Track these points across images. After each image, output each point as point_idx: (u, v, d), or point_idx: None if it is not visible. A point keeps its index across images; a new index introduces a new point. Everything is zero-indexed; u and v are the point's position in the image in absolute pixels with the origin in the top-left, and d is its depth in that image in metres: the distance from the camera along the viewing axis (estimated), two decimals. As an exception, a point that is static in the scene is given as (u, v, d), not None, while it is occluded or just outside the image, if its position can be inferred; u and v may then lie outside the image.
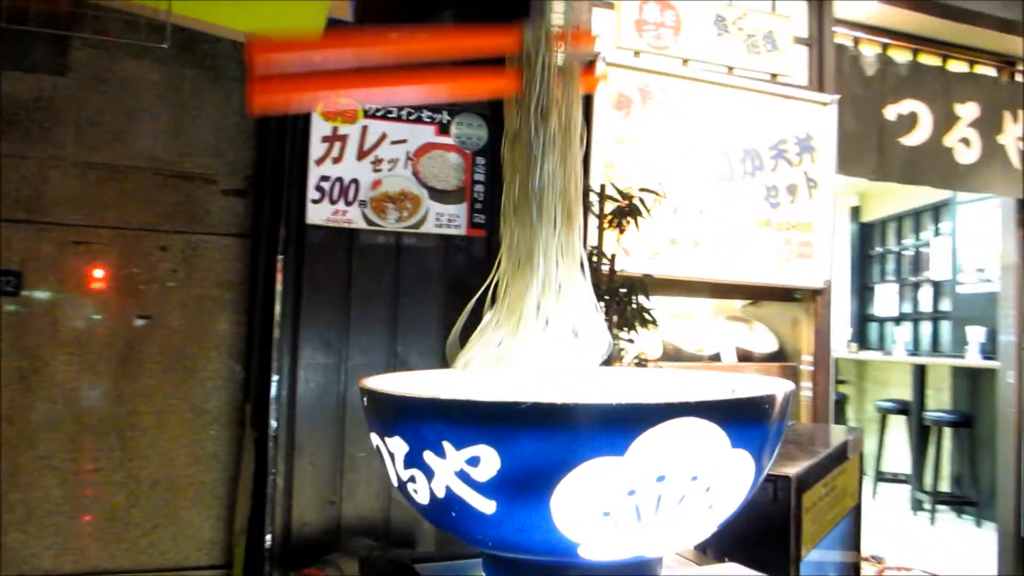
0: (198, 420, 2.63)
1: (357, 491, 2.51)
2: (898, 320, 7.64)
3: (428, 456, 1.08)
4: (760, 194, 3.31)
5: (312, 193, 2.48)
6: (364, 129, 2.53)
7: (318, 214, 2.49)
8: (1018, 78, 4.32)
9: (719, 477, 1.08)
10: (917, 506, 6.25)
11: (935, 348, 7.10)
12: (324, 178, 2.50)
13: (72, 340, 2.53)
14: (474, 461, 1.03)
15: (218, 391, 2.65)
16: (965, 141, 4.11)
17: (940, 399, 6.63)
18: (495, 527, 1.07)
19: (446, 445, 1.04)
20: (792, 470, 1.65)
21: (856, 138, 3.73)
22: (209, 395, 2.64)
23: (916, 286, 7.43)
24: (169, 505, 2.60)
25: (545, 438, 1.00)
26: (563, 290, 1.37)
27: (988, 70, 4.24)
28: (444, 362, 2.50)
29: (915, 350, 7.22)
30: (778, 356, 3.57)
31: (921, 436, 6.33)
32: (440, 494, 1.09)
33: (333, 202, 2.50)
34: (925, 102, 3.99)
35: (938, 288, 7.11)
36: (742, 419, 1.07)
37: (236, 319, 2.67)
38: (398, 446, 1.12)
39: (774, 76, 3.42)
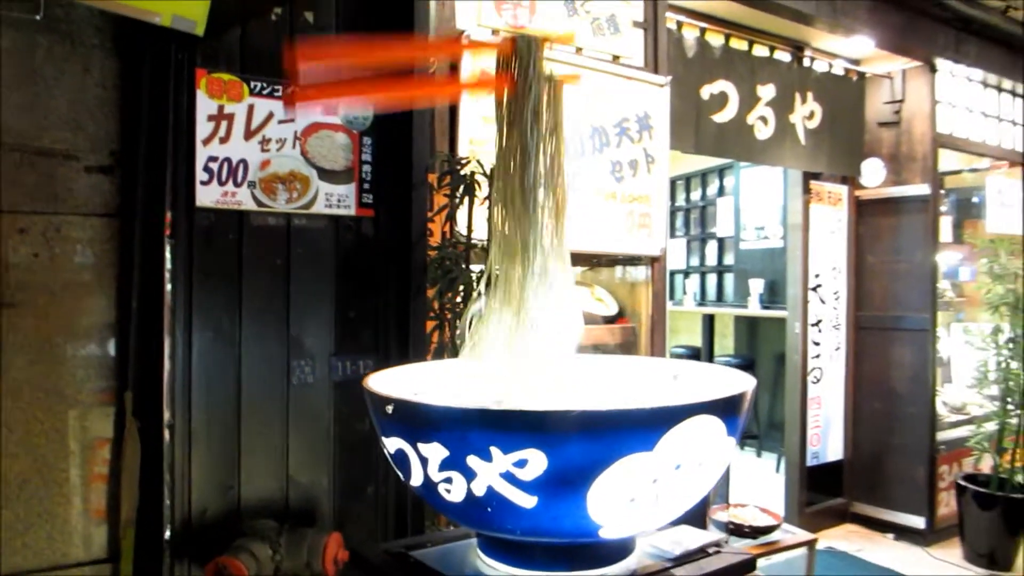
0: (70, 412, 2.49)
1: (255, 474, 2.51)
2: (687, 273, 8.36)
3: (472, 460, 1.19)
4: (607, 169, 3.56)
5: (200, 174, 2.41)
6: (251, 108, 2.47)
7: (207, 196, 2.42)
8: (806, 63, 4.86)
9: (714, 460, 1.28)
10: (710, 441, 6.96)
11: (720, 298, 7.86)
12: (212, 158, 2.42)
13: (-79, 333, 2.32)
14: (521, 463, 1.16)
15: (90, 380, 2.52)
16: (763, 119, 4.61)
17: (725, 345, 7.39)
18: (531, 519, 1.21)
19: (494, 450, 1.16)
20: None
21: (678, 115, 4.07)
22: (81, 385, 2.51)
23: (703, 241, 8.16)
24: (43, 503, 2.46)
25: (591, 440, 1.15)
26: (553, 280, 1.50)
27: (784, 55, 4.74)
28: (337, 342, 2.55)
29: (703, 300, 7.95)
30: (618, 318, 3.88)
31: (712, 379, 7.02)
32: (479, 493, 1.21)
33: (222, 183, 2.44)
34: (734, 83, 4.42)
35: (722, 244, 7.86)
36: (734, 412, 1.27)
37: (107, 304, 2.54)
38: (435, 451, 1.22)
39: (616, 58, 3.66)
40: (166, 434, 2.38)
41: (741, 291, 7.15)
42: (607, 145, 3.55)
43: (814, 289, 5.25)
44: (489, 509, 1.21)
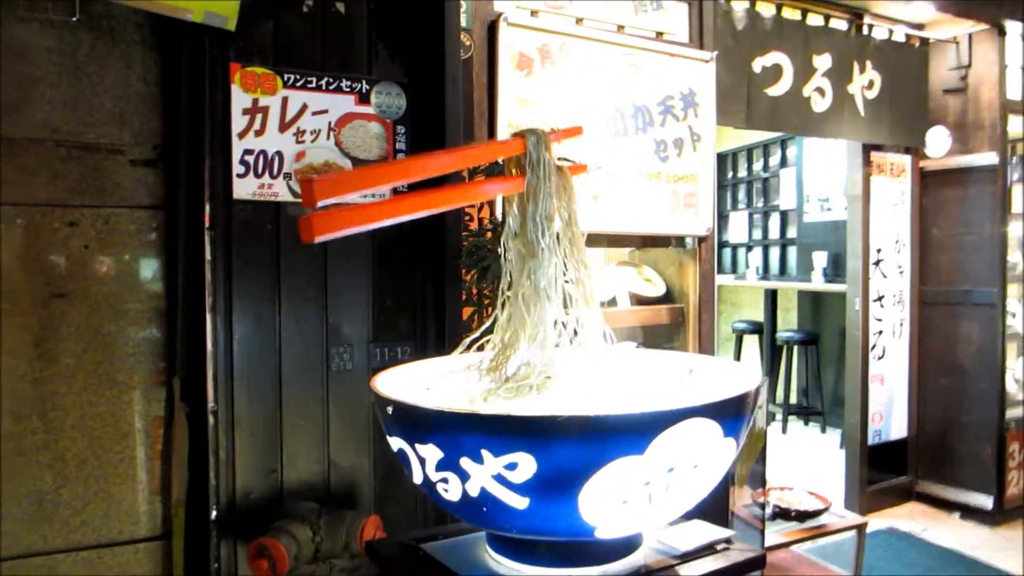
0: (123, 396, 2.61)
1: (297, 458, 2.59)
2: (749, 246, 8.20)
3: (465, 462, 1.21)
4: (651, 148, 3.52)
5: (237, 167, 2.47)
6: (285, 100, 2.52)
7: (244, 188, 2.48)
8: (864, 31, 4.69)
9: (712, 461, 1.27)
10: (770, 417, 6.88)
11: (783, 272, 7.70)
12: (248, 151, 2.48)
13: (-18, 323, 2.44)
14: (512, 466, 1.17)
15: (141, 366, 2.63)
16: (819, 90, 4.47)
17: (788, 319, 7.25)
18: (525, 519, 1.23)
19: (485, 453, 1.18)
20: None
21: (728, 89, 3.98)
22: (132, 371, 2.62)
23: (765, 214, 7.99)
24: (99, 482, 2.59)
25: (579, 445, 1.15)
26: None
27: (841, 23, 4.58)
28: (374, 329, 2.59)
29: (765, 274, 7.81)
30: (666, 298, 3.85)
31: (773, 354, 6.92)
32: (474, 493, 1.23)
33: (258, 176, 2.49)
34: (787, 54, 4.29)
35: (785, 216, 7.68)
36: (732, 414, 1.26)
37: (155, 294, 2.64)
38: (431, 452, 1.25)
39: (659, 34, 3.60)
40: (211, 419, 2.47)
41: (804, 265, 7.00)
42: (651, 124, 3.51)
43: (876, 264, 5.11)
44: (484, 509, 1.23)
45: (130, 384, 2.63)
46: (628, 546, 1.41)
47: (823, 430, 6.67)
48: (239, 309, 2.51)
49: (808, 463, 5.85)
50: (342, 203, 1.45)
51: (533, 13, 3.23)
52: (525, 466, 1.16)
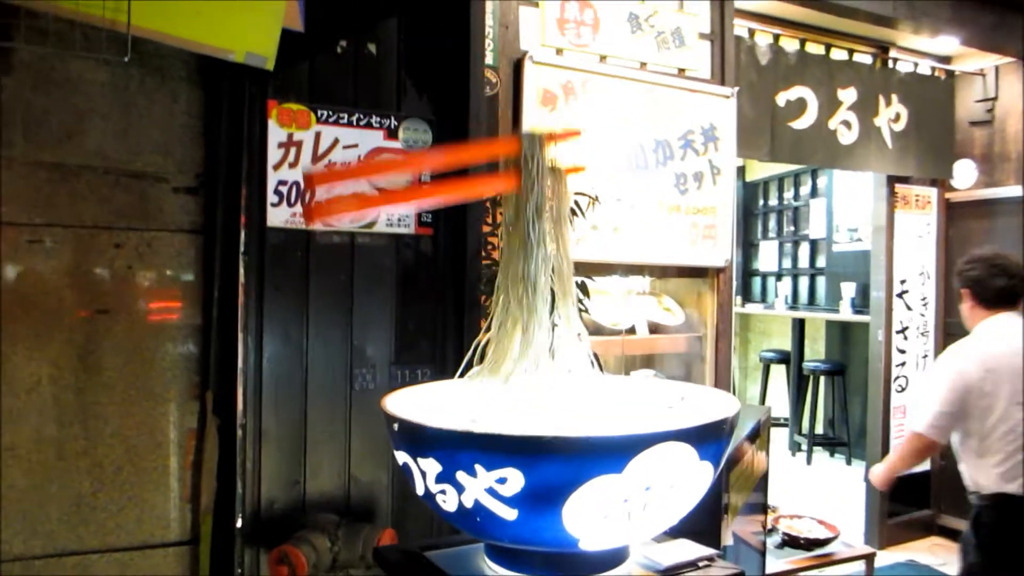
0: (159, 408, 2.77)
1: (320, 471, 2.73)
2: (779, 275, 8.23)
3: (461, 475, 1.33)
4: (671, 182, 3.63)
5: (271, 197, 2.63)
6: (318, 135, 2.68)
7: (277, 217, 2.64)
8: (889, 64, 4.76)
9: (688, 482, 1.38)
10: (795, 447, 6.88)
11: (811, 302, 7.72)
12: (282, 182, 2.64)
13: (32, 336, 2.62)
14: (502, 480, 1.29)
15: (177, 380, 2.79)
16: (846, 124, 4.55)
17: (816, 349, 7.26)
18: (514, 529, 1.34)
19: (478, 468, 1.30)
20: (723, 456, 1.96)
21: (751, 123, 4.08)
22: (168, 385, 2.78)
23: (795, 243, 8.02)
24: (134, 488, 2.74)
25: (563, 463, 1.27)
26: (559, 354, 1.62)
27: (865, 57, 4.66)
28: (396, 351, 2.71)
29: (794, 304, 7.83)
30: (684, 327, 3.94)
31: (800, 384, 6.93)
32: (468, 505, 1.35)
33: (291, 205, 2.65)
34: (811, 88, 4.38)
35: (815, 246, 7.71)
36: (708, 439, 1.36)
37: (192, 312, 2.80)
38: (431, 466, 1.37)
39: (682, 71, 3.72)
40: (239, 432, 2.62)
41: (833, 294, 7.02)
42: (671, 158, 3.62)
43: (900, 295, 5.14)
44: (478, 519, 1.35)
45: (166, 397, 2.79)
46: (614, 559, 1.52)
47: (848, 462, 6.66)
48: (269, 329, 2.66)
49: (830, 495, 5.86)
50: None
51: (558, 51, 3.37)
52: (514, 481, 1.27)
